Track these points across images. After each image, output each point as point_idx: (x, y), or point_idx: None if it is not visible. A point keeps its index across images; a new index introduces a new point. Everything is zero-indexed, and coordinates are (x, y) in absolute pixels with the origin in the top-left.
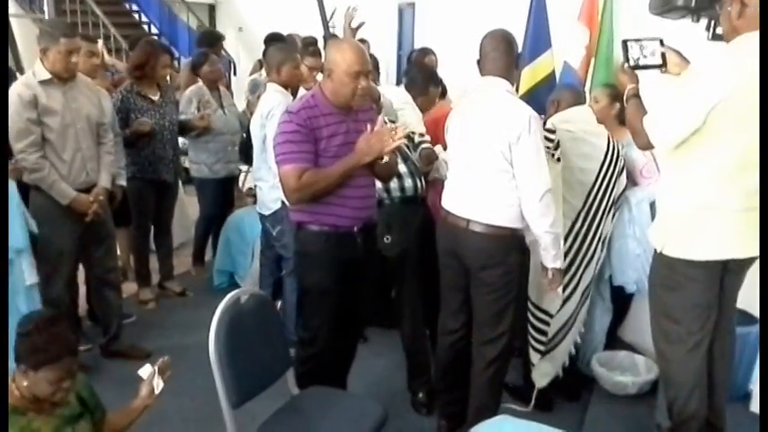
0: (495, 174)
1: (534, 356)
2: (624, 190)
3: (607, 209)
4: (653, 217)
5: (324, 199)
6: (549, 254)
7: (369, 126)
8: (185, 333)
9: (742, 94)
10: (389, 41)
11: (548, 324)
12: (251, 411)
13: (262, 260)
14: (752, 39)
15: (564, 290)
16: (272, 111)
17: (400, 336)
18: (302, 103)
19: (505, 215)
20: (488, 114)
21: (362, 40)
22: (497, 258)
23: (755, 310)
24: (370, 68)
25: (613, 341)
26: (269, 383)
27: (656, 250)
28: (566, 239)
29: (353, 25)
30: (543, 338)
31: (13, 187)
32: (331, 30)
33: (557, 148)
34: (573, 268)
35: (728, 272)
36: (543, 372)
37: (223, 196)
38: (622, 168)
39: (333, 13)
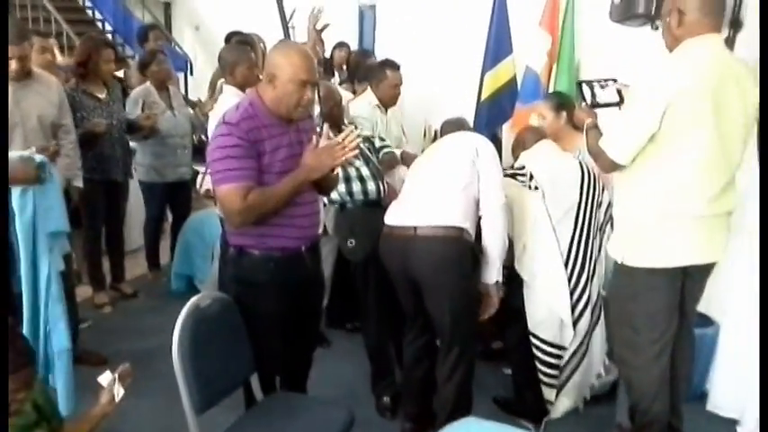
0: (448, 182)
1: (549, 393)
2: (609, 214)
3: (595, 232)
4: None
5: (270, 220)
6: (494, 267)
7: (315, 139)
8: (143, 338)
9: (690, 99)
10: (350, 43)
11: (560, 357)
12: (214, 418)
13: (220, 264)
14: (693, 44)
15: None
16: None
17: (364, 340)
18: (241, 113)
19: (453, 214)
20: (451, 139)
21: (342, 44)
22: (451, 262)
23: (712, 312)
24: (317, 78)
25: None
26: (234, 388)
27: (615, 261)
28: (566, 266)
29: (318, 27)
30: (555, 372)
31: (55, 173)
32: (290, 30)
33: (531, 179)
34: (577, 293)
35: (689, 277)
36: (563, 407)
37: (171, 200)
38: (602, 192)
39: (293, 14)
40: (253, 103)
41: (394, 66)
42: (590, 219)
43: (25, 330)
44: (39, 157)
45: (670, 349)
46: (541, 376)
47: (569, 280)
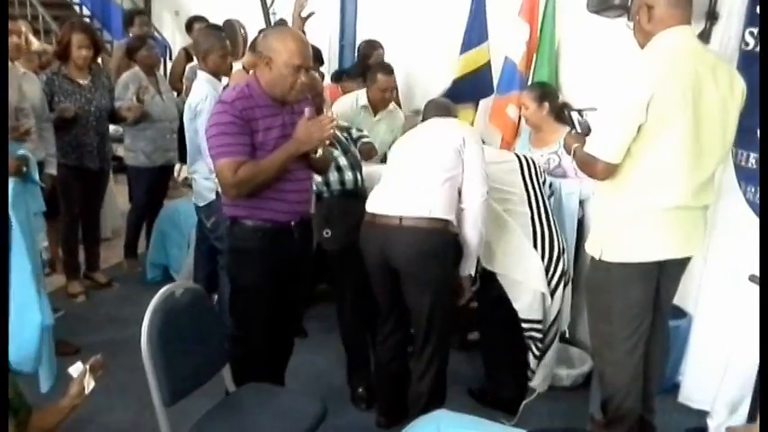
0: (433, 171)
1: (534, 363)
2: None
3: (553, 210)
4: (581, 215)
5: (261, 193)
6: (471, 259)
7: (306, 112)
8: (116, 328)
9: (670, 89)
10: (332, 31)
11: (541, 332)
12: (185, 409)
13: (196, 253)
14: (665, 35)
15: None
16: (200, 104)
17: (339, 330)
18: (237, 93)
19: (438, 206)
20: (437, 126)
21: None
22: (434, 253)
23: (684, 303)
24: (311, 63)
25: None
26: (204, 380)
27: (593, 257)
28: (534, 246)
29: (303, 14)
30: (541, 345)
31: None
32: (272, 17)
33: None
34: (552, 267)
35: (665, 272)
36: (543, 376)
37: (158, 186)
38: (543, 172)
39: (273, 0)
40: (250, 84)
41: (387, 69)
42: (543, 199)
43: (14, 308)
44: (21, 151)
45: (644, 344)
46: (535, 351)
47: (542, 257)
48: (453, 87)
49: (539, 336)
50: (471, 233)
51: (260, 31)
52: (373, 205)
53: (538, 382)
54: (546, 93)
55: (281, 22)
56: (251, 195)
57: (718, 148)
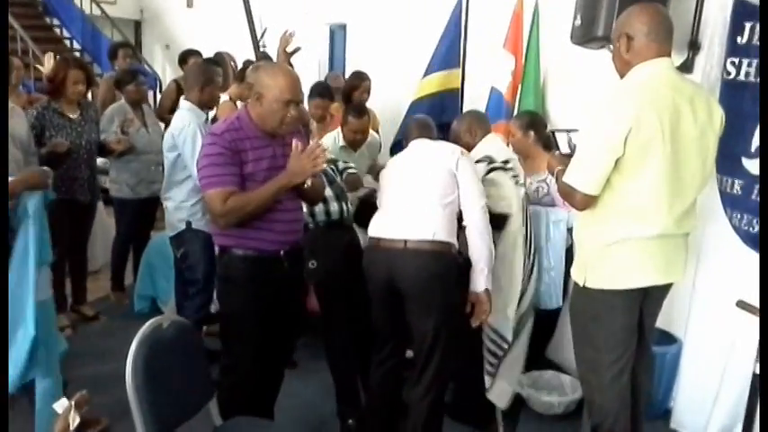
0: (433, 196)
1: (487, 380)
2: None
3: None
4: (570, 243)
5: (250, 222)
6: (483, 274)
7: (299, 145)
8: (103, 361)
9: (647, 122)
10: (321, 63)
11: (503, 348)
12: None
13: (176, 284)
14: (644, 68)
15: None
16: (182, 131)
17: (327, 361)
18: (226, 125)
19: (441, 229)
20: (428, 149)
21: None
22: (440, 277)
23: (674, 329)
24: (301, 98)
25: (540, 360)
26: (191, 415)
27: (576, 284)
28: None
29: (289, 50)
30: (496, 361)
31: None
32: (262, 49)
33: (515, 175)
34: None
35: (648, 297)
36: (499, 391)
37: (143, 217)
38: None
39: (264, 33)
40: (240, 117)
41: (357, 112)
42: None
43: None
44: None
45: (630, 368)
46: (485, 364)
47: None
48: (417, 107)
49: (495, 349)
50: (480, 246)
51: (245, 63)
52: (376, 230)
53: (495, 397)
54: (532, 121)
55: (264, 56)
56: (240, 225)
57: (698, 177)
